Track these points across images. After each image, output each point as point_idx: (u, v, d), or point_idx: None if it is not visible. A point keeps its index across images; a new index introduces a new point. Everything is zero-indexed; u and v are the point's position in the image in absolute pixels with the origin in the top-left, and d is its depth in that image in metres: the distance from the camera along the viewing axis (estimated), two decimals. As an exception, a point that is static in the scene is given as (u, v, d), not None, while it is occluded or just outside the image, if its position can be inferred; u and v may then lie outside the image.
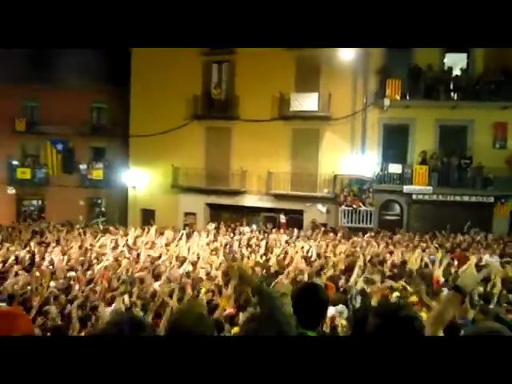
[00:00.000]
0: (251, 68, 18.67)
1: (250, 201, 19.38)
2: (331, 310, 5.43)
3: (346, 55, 17.80)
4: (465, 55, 18.26)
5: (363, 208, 17.78)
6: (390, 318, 1.57)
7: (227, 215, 19.99)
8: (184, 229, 16.11)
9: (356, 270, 8.01)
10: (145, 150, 20.61)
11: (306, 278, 7.74)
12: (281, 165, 18.84)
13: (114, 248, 11.88)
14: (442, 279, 7.53)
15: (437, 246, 12.29)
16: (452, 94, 17.91)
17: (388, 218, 18.50)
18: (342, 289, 7.41)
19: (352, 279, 7.67)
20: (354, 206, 17.81)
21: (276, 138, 18.79)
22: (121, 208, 22.16)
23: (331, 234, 15.13)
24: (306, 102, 18.47)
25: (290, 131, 19.09)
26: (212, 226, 17.22)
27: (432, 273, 7.98)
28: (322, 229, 16.09)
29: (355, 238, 13.71)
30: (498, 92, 17.08)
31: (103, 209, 24.50)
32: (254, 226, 17.74)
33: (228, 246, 12.46)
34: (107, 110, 23.79)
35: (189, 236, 14.06)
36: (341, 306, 6.00)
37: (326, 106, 18.41)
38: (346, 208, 17.92)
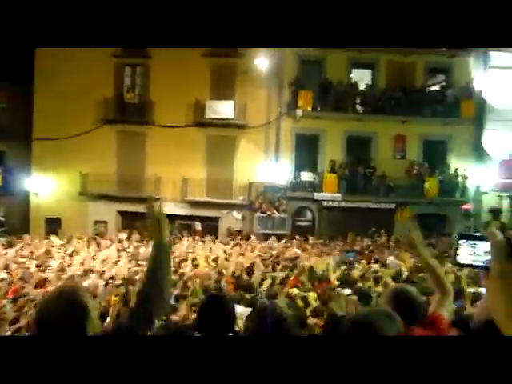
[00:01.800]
0: (166, 73, 18.38)
1: (164, 208, 18.89)
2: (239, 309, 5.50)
3: (261, 65, 18.26)
4: (369, 71, 19.65)
5: (277, 215, 18.21)
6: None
7: (140, 223, 19.29)
8: (94, 238, 15.29)
9: (258, 270, 8.24)
10: (50, 155, 19.22)
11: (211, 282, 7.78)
12: (196, 171, 18.70)
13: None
14: (335, 281, 8.09)
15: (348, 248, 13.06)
16: (358, 107, 19.10)
17: (300, 224, 19.15)
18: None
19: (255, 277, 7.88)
20: (269, 213, 18.18)
21: (191, 145, 18.63)
22: (22, 217, 20.44)
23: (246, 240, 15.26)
24: (222, 110, 18.60)
25: (205, 138, 19.04)
26: (124, 234, 16.60)
27: (327, 276, 8.44)
28: (239, 237, 16.15)
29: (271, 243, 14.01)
30: (398, 107, 18.58)
31: (2, 218, 22.40)
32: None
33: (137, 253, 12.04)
34: (6, 110, 21.88)
35: (99, 245, 13.39)
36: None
37: (241, 115, 18.66)
38: (261, 215, 18.23)
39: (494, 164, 18.40)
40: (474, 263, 0.97)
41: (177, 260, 10.33)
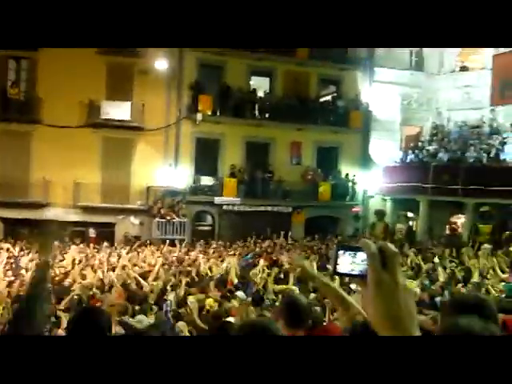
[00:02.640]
0: (56, 68, 17.05)
1: (54, 214, 17.48)
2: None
3: (160, 66, 17.90)
4: (268, 79, 20.29)
5: (177, 219, 17.89)
6: None
7: (26, 231, 17.68)
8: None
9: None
10: None
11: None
12: (90, 175, 17.63)
13: None
14: (236, 280, 8.27)
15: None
16: (257, 113, 19.57)
17: (201, 228, 19.07)
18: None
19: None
20: (168, 218, 17.79)
21: (84, 147, 17.51)
22: None
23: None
24: (119, 111, 17.83)
25: (100, 140, 18.07)
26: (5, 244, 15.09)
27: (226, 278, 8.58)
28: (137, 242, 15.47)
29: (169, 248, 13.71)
30: (294, 115, 19.38)
31: None
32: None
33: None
34: None
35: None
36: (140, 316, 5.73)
37: (139, 116, 18.05)
38: (160, 220, 17.77)
39: (379, 170, 19.97)
40: (352, 272, 0.99)
41: (62, 271, 9.73)
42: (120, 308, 5.78)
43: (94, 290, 7.58)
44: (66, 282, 8.59)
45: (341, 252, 1.00)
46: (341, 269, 1.00)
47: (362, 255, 0.96)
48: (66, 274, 9.44)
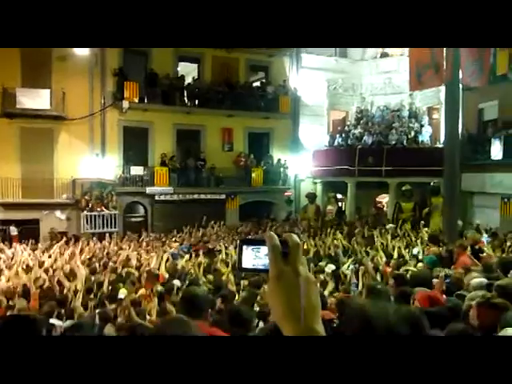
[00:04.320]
0: (-38, 54, 15.59)
1: (-32, 213, 16.21)
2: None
3: (80, 52, 16.93)
4: (196, 65, 19.93)
5: (107, 212, 17.24)
6: None
7: None
8: None
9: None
10: None
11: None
12: (8, 169, 16.40)
13: None
14: (166, 275, 7.96)
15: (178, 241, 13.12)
16: (186, 100, 19.21)
17: (133, 219, 18.57)
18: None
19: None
20: (99, 210, 17.09)
21: (1, 139, 16.27)
22: None
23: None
24: (36, 99, 16.65)
25: (17, 130, 16.82)
26: None
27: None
28: (64, 239, 14.65)
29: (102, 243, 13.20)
30: (224, 101, 19.31)
31: None
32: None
33: None
34: None
35: None
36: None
37: (59, 105, 17.00)
38: (89, 213, 17.03)
39: (309, 154, 20.50)
40: (256, 267, 0.98)
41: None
42: (47, 308, 5.62)
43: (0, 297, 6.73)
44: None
45: (244, 247, 0.98)
46: (245, 264, 0.98)
47: (265, 249, 0.94)
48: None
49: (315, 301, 0.90)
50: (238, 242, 1.01)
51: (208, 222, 16.27)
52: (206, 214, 16.87)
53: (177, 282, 6.74)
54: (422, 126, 19.51)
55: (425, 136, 19.17)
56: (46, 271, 8.63)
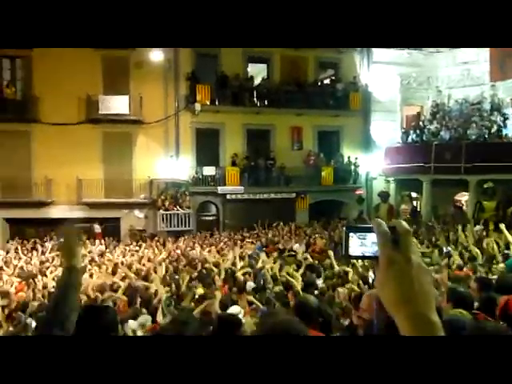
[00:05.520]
0: (52, 66, 16.88)
1: (58, 212, 17.45)
2: (132, 325, 5.11)
3: (156, 58, 17.74)
4: (265, 66, 20.10)
5: (181, 211, 17.88)
6: None
7: (32, 230, 17.72)
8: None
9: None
10: None
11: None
12: (92, 171, 17.56)
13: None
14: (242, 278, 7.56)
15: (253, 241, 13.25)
16: (256, 100, 19.39)
17: (205, 218, 19.05)
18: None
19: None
20: (175, 209, 17.80)
21: (85, 143, 17.42)
22: None
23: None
24: (117, 105, 17.67)
25: (100, 135, 17.96)
26: (12, 243, 15.19)
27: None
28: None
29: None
30: (293, 100, 19.22)
31: None
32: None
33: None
34: None
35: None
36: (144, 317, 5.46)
37: (137, 109, 17.86)
38: (165, 212, 17.77)
39: (381, 151, 19.86)
40: (364, 254, 0.97)
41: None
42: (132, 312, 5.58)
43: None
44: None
45: (351, 234, 0.97)
46: (353, 251, 0.97)
47: (371, 236, 0.94)
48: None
49: (428, 288, 0.87)
50: (344, 228, 1.00)
51: (278, 221, 16.28)
52: (275, 213, 16.92)
53: (251, 284, 6.78)
54: (505, 118, 18.16)
55: (509, 129, 17.83)
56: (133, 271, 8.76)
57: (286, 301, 5.29)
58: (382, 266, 0.89)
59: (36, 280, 8.88)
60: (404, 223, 0.91)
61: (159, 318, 5.36)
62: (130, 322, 5.12)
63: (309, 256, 9.42)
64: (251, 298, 5.96)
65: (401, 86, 20.71)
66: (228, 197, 18.55)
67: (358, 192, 20.15)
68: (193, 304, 5.74)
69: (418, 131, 19.38)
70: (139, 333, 4.93)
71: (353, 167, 19.99)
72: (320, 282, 6.90)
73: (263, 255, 10.27)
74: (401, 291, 0.86)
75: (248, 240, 13.79)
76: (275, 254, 10.43)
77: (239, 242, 13.66)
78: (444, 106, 20.27)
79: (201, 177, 18.60)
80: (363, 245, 0.96)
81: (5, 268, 10.52)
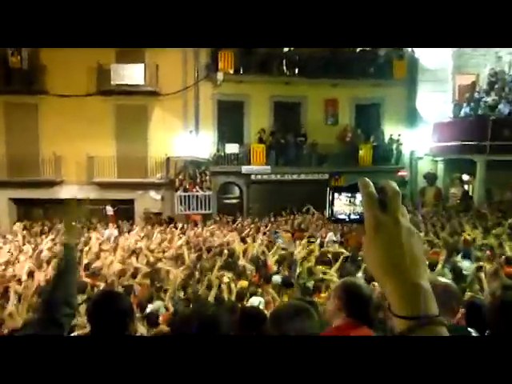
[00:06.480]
0: (58, 31, 15.50)
1: (68, 192, 16.26)
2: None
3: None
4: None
5: (201, 193, 16.43)
6: None
7: (41, 211, 16.71)
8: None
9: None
10: None
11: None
12: (104, 148, 16.30)
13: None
14: (275, 267, 7.71)
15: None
16: (285, 69, 17.67)
17: (227, 201, 17.74)
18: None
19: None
20: (194, 191, 16.32)
21: (96, 117, 16.16)
22: None
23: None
24: (130, 75, 16.25)
25: (112, 108, 16.69)
26: (19, 225, 14.24)
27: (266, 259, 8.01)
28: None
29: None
30: (328, 69, 17.48)
31: None
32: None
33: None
34: None
35: None
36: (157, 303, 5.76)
37: (153, 80, 16.59)
38: (182, 194, 16.34)
39: (428, 127, 18.05)
40: (350, 217, 0.90)
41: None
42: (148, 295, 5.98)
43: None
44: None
45: (336, 195, 0.91)
46: (338, 214, 0.92)
47: (359, 197, 0.88)
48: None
49: (419, 253, 0.82)
50: (328, 189, 0.92)
51: (309, 209, 14.65)
52: (306, 196, 15.26)
53: (277, 278, 6.61)
54: None
55: None
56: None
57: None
58: (368, 230, 0.84)
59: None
60: (393, 183, 0.86)
61: (169, 305, 5.63)
62: (149, 306, 5.54)
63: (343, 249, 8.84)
64: (271, 290, 6.03)
65: (453, 51, 18.49)
66: (253, 177, 17.10)
67: (400, 173, 18.24)
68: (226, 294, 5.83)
69: (472, 104, 17.34)
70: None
71: (395, 145, 18.18)
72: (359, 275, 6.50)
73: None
74: (388, 256, 0.81)
75: (286, 230, 12.23)
76: (304, 242, 9.42)
77: (263, 228, 12.34)
78: (504, 74, 18.12)
79: (223, 155, 17.18)
80: (351, 205, 0.91)
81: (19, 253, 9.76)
